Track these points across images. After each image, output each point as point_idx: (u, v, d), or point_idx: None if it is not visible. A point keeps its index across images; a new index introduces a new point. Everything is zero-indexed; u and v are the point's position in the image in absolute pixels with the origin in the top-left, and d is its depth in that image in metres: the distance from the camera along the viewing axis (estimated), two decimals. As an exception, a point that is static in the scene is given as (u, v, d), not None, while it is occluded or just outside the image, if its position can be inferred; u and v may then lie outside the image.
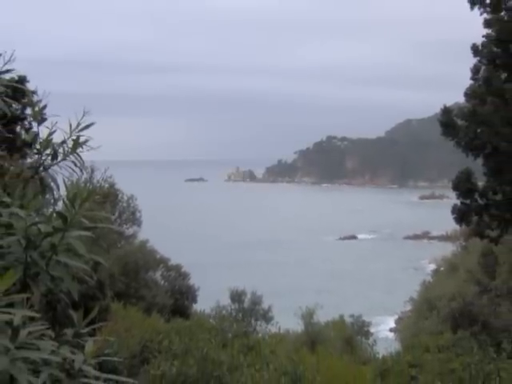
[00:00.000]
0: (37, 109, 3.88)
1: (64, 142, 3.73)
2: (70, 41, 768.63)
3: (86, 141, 3.73)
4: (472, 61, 20.99)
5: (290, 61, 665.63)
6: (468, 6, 20.54)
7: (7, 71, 3.87)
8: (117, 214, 29.87)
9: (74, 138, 3.71)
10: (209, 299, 30.15)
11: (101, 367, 3.05)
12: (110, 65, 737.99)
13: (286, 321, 31.44)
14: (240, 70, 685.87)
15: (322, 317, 33.68)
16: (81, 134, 3.71)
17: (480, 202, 20.85)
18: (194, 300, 30.09)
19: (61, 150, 3.74)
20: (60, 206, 3.30)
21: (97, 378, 2.97)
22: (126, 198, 31.04)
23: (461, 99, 22.19)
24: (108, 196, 28.13)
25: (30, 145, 3.98)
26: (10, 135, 4.10)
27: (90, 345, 3.05)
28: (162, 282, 29.87)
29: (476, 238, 26.60)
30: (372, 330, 37.38)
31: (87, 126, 3.71)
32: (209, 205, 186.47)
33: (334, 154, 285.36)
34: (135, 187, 35.69)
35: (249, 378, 14.97)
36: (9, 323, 2.68)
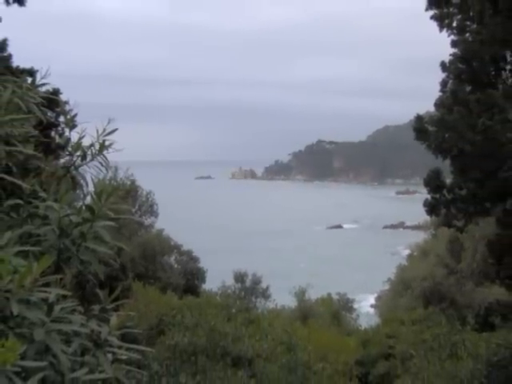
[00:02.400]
0: (69, 117, 3.89)
1: (92, 145, 3.73)
2: (99, 59, 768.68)
3: (111, 144, 3.73)
4: (441, 76, 21.00)
5: (286, 75, 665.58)
6: (437, 28, 20.53)
7: (43, 84, 3.87)
8: (137, 206, 29.87)
9: (101, 141, 3.72)
10: (216, 280, 30.19)
11: (123, 338, 3.05)
12: (132, 79, 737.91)
13: (282, 298, 31.49)
14: (242, 83, 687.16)
15: (313, 295, 33.74)
16: (106, 138, 3.71)
17: (448, 196, 20.83)
18: (203, 280, 30.08)
19: (89, 152, 3.75)
20: (88, 200, 3.30)
21: (120, 347, 2.97)
22: (144, 193, 31.05)
23: (431, 108, 22.16)
24: (130, 191, 28.14)
25: (62, 148, 3.98)
26: (46, 139, 4.09)
27: (114, 319, 3.05)
28: (176, 265, 29.87)
29: (444, 228, 26.59)
30: (355, 306, 37.47)
31: (112, 132, 3.71)
32: (216, 199, 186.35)
33: (323, 155, 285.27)
34: (152, 184, 35.65)
35: (250, 347, 14.99)
36: (45, 300, 2.69)
